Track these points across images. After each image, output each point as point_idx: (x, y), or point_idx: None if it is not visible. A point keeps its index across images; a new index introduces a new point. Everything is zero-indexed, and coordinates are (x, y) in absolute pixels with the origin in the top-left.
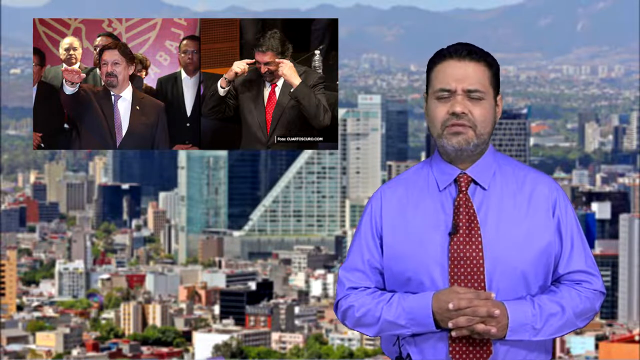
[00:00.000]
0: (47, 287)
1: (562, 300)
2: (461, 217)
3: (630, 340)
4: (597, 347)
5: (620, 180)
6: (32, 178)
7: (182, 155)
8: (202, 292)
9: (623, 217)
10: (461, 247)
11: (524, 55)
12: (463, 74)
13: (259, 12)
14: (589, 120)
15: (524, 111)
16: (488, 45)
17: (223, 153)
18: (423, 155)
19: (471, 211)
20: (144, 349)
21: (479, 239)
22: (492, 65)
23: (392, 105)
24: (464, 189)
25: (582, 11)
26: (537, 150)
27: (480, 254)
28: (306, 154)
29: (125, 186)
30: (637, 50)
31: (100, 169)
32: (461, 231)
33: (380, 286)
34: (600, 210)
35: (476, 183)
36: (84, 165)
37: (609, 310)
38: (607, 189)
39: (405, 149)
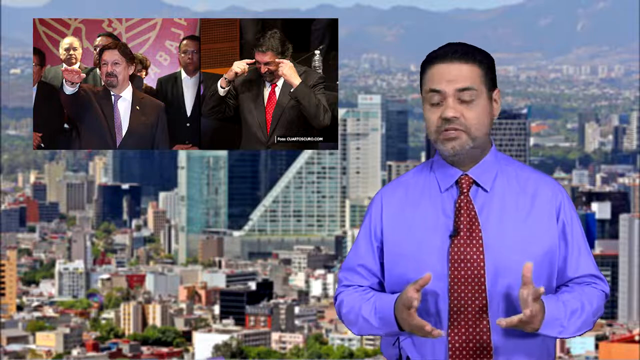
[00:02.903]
0: (47, 287)
1: (582, 296)
2: (462, 219)
3: (630, 340)
4: (597, 347)
5: (620, 180)
6: (32, 178)
7: (182, 155)
8: (202, 292)
9: (623, 217)
10: (462, 249)
11: (524, 55)
12: (453, 75)
13: (259, 12)
14: (589, 120)
15: (524, 111)
16: (488, 45)
17: (223, 153)
18: (423, 155)
19: (472, 213)
20: (144, 349)
21: (480, 241)
22: (482, 62)
23: (392, 105)
24: (465, 190)
25: (582, 11)
26: (537, 150)
27: (482, 256)
28: (306, 154)
29: (125, 186)
30: (637, 50)
31: (100, 169)
32: (462, 233)
33: (375, 288)
34: (600, 210)
35: (478, 185)
36: (84, 165)
37: (609, 310)
38: (607, 189)
39: (405, 149)
